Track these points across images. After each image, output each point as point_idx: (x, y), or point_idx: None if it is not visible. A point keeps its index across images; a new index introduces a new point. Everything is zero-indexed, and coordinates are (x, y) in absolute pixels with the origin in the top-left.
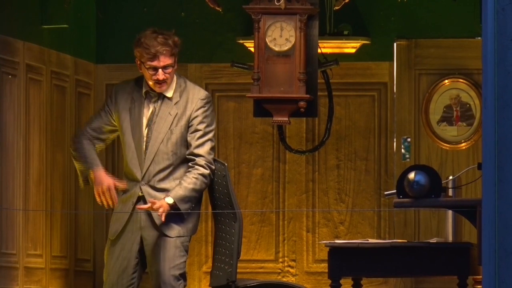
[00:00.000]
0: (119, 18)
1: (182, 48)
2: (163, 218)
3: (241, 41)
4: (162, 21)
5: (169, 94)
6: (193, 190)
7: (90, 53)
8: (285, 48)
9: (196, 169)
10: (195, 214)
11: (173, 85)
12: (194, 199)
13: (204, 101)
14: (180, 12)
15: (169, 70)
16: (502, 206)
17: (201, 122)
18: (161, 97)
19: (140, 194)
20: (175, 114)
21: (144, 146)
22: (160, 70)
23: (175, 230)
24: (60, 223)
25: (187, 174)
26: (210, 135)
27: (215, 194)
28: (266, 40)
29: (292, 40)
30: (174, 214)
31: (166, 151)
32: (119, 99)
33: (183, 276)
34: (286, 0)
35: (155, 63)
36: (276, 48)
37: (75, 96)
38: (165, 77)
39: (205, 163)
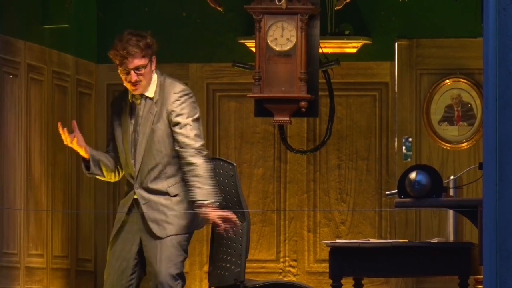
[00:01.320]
0: (120, 18)
1: (157, 48)
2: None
3: (242, 41)
4: (163, 21)
5: (150, 94)
6: (210, 177)
7: (91, 53)
8: (286, 48)
9: (191, 164)
10: (192, 214)
11: (154, 85)
12: (215, 183)
13: (178, 94)
14: (181, 12)
15: (142, 71)
16: (503, 206)
17: (178, 115)
18: (143, 98)
19: (135, 196)
20: (155, 112)
21: (132, 149)
22: (132, 72)
23: (165, 230)
24: (61, 223)
25: (187, 176)
26: (190, 123)
27: (221, 194)
28: (267, 40)
29: (293, 40)
30: (163, 214)
31: (151, 150)
32: (114, 112)
33: (180, 276)
34: (287, 0)
35: (125, 65)
36: (277, 48)
37: (76, 96)
38: (137, 79)
39: (194, 152)
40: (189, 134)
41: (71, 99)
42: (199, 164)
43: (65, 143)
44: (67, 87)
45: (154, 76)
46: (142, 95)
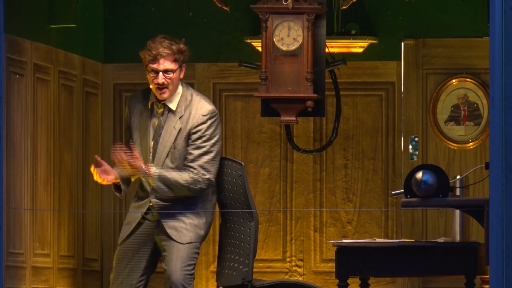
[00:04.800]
0: (127, 17)
1: (188, 57)
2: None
3: (248, 41)
4: (170, 21)
5: (173, 106)
6: (176, 181)
7: (97, 53)
8: (293, 47)
9: (189, 173)
10: (209, 223)
11: (178, 97)
12: (171, 190)
13: (206, 117)
14: (188, 11)
15: (170, 75)
16: (510, 206)
17: (199, 137)
18: (167, 109)
19: (150, 204)
20: (179, 128)
21: (150, 159)
22: (160, 74)
23: (185, 237)
24: (68, 223)
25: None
26: (205, 148)
27: (229, 194)
28: (274, 39)
29: (300, 39)
30: (186, 220)
31: (170, 165)
32: (131, 111)
33: (193, 278)
34: None
35: (155, 66)
36: (284, 48)
37: (83, 96)
38: (165, 82)
39: (197, 176)
40: (201, 159)
41: (77, 99)
42: (188, 179)
43: (95, 179)
44: (74, 87)
45: (180, 88)
46: (164, 105)
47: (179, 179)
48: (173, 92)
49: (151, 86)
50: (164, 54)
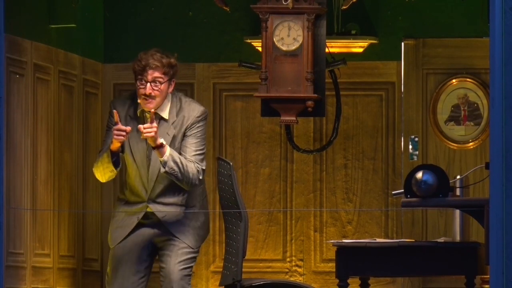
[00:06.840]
0: (127, 17)
1: (178, 72)
2: (148, 133)
3: (248, 41)
4: (170, 21)
5: (165, 115)
6: (186, 165)
7: (97, 53)
8: (293, 47)
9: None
10: (207, 223)
11: (167, 105)
12: (179, 172)
13: (199, 118)
14: (188, 11)
15: (158, 86)
16: (510, 206)
17: (194, 136)
18: (158, 117)
19: (148, 209)
20: (173, 134)
21: (147, 165)
22: (148, 84)
23: (188, 238)
24: (68, 223)
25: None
26: (201, 147)
27: (222, 194)
28: (274, 39)
29: (300, 39)
30: (189, 222)
31: None
32: (120, 115)
33: (190, 279)
34: None
35: (143, 76)
36: (284, 48)
37: (83, 96)
38: (152, 92)
39: (195, 168)
40: (197, 158)
41: (77, 99)
42: (193, 168)
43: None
44: (74, 87)
45: (169, 96)
46: (155, 113)
47: (188, 166)
48: (159, 104)
49: (139, 101)
50: (153, 66)
